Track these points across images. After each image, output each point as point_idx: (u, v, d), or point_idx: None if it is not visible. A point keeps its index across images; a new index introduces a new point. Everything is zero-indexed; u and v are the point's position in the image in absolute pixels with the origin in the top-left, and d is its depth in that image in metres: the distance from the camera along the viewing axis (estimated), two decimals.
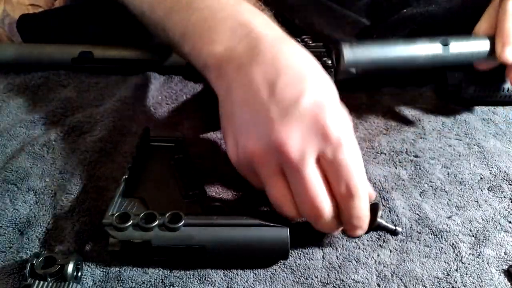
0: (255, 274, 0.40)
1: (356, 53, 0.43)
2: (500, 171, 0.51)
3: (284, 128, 0.35)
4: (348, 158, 0.36)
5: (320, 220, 0.37)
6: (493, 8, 0.54)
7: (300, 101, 0.36)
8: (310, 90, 0.37)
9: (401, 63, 0.47)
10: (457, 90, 0.59)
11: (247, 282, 0.39)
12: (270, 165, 0.37)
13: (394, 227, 0.41)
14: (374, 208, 0.40)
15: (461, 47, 0.52)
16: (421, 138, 0.55)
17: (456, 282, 0.40)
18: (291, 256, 0.41)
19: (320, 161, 0.36)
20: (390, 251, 0.42)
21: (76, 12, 0.67)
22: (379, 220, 0.40)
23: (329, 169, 0.36)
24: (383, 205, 0.46)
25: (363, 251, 0.42)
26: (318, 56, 0.57)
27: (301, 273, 0.40)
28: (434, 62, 0.50)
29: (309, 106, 0.36)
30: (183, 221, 0.38)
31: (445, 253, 0.42)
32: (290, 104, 0.36)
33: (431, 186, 0.49)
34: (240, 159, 0.39)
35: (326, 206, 0.37)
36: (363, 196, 0.37)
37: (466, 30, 0.56)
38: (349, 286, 0.39)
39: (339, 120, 0.37)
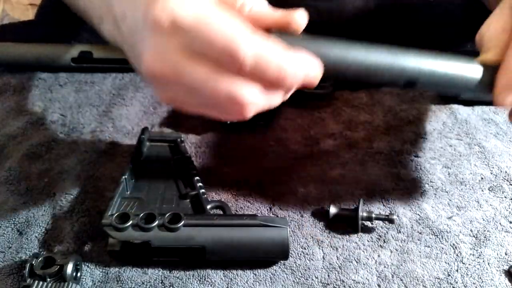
0: (255, 274, 0.40)
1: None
2: (501, 171, 0.50)
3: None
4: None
5: None
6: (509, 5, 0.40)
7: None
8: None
9: (353, 71, 0.35)
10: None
11: (247, 283, 0.39)
12: None
13: (387, 215, 0.41)
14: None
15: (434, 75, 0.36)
16: (421, 138, 0.55)
17: (456, 282, 0.40)
18: (291, 256, 0.41)
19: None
20: (391, 252, 0.42)
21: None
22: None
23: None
24: (383, 205, 0.46)
25: (364, 252, 0.42)
26: None
27: (301, 274, 0.40)
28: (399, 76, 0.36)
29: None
30: (182, 222, 0.38)
31: (446, 254, 0.42)
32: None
33: (432, 186, 0.48)
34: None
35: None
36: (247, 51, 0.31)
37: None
38: (350, 287, 0.39)
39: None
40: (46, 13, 0.68)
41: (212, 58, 0.32)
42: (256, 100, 0.33)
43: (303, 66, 0.33)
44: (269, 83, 0.33)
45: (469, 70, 0.37)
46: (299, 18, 0.34)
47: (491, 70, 0.37)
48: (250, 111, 0.34)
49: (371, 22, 0.57)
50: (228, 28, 0.31)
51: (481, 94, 0.38)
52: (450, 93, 0.39)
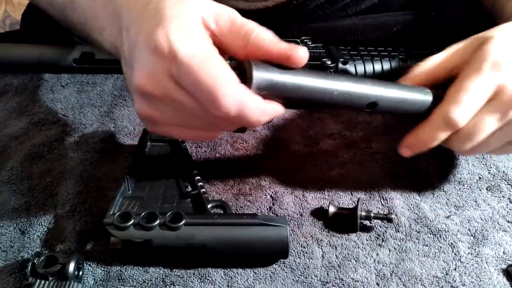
0: (255, 273, 0.40)
1: (267, 75, 0.36)
2: (499, 171, 0.51)
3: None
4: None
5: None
6: (471, 44, 0.44)
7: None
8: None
9: (319, 97, 0.38)
10: None
11: (247, 281, 0.39)
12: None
13: (385, 214, 0.42)
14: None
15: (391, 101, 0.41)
16: None
17: (455, 281, 0.40)
18: (290, 255, 0.41)
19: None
20: (389, 251, 0.42)
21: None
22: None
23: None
24: (382, 204, 0.46)
25: (363, 250, 0.42)
26: (318, 57, 0.57)
27: (300, 272, 0.40)
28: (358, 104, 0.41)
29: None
30: (183, 221, 0.39)
31: (444, 253, 0.42)
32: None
33: (430, 186, 0.49)
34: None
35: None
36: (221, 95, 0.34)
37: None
38: (349, 285, 0.39)
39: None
40: (33, 19, 0.68)
41: (196, 96, 0.35)
42: (227, 129, 0.38)
43: (273, 115, 0.37)
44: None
45: (420, 97, 0.43)
46: (301, 54, 0.36)
47: (438, 100, 0.42)
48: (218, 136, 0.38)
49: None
50: (216, 76, 0.34)
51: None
52: (406, 116, 0.44)
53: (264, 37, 0.36)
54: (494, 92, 0.41)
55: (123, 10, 0.40)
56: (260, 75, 0.35)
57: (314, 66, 0.56)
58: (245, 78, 0.36)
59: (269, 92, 0.36)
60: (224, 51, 0.38)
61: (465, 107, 0.41)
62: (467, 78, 0.41)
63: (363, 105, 0.40)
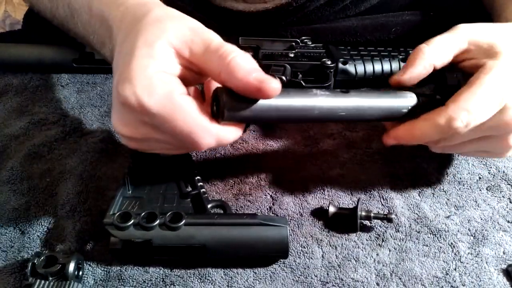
0: (255, 273, 0.40)
1: (239, 102, 0.37)
2: (499, 171, 0.51)
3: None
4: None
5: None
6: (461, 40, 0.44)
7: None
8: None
9: (294, 115, 0.39)
10: (456, 90, 0.59)
11: (247, 281, 0.39)
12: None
13: (385, 214, 0.43)
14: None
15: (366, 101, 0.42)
16: None
17: (455, 281, 0.40)
18: (290, 255, 0.41)
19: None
20: (389, 250, 0.42)
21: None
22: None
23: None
24: (382, 204, 0.46)
25: (363, 250, 0.42)
26: (318, 57, 0.57)
27: (300, 272, 0.40)
28: (333, 117, 0.41)
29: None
30: (183, 221, 0.39)
31: (444, 253, 0.42)
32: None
33: (430, 186, 0.49)
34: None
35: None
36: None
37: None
38: (349, 285, 0.39)
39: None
40: (34, 19, 0.68)
41: (176, 138, 0.37)
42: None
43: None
44: None
45: (399, 103, 0.43)
46: (272, 87, 0.36)
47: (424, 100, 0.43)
48: None
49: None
50: (190, 122, 0.36)
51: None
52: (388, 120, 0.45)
53: (238, 63, 0.36)
54: (500, 109, 0.41)
55: (113, 33, 0.41)
56: (230, 114, 0.37)
57: (314, 66, 0.56)
58: (218, 104, 0.37)
59: (241, 121, 0.39)
60: (203, 74, 0.39)
61: (474, 118, 0.40)
62: (481, 92, 0.40)
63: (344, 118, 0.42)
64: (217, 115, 0.38)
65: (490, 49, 0.43)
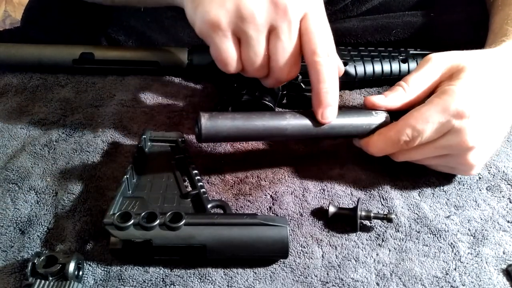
0: (255, 273, 0.40)
1: (216, 123, 0.41)
2: (499, 171, 0.51)
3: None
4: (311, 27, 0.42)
5: (261, 76, 0.46)
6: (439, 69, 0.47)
7: None
8: None
9: (267, 133, 0.44)
10: None
11: (247, 281, 0.39)
12: (226, 30, 0.41)
13: (385, 214, 0.43)
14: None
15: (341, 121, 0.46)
16: None
17: (454, 281, 0.40)
18: (290, 255, 0.41)
19: (275, 32, 0.42)
20: (389, 250, 0.42)
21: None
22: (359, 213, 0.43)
23: (304, 35, 0.42)
24: (382, 204, 0.46)
25: (362, 250, 0.42)
26: None
27: (300, 272, 0.40)
28: (306, 134, 0.45)
29: None
30: (183, 221, 0.39)
31: (444, 253, 0.42)
32: None
33: (430, 186, 0.49)
34: (198, 23, 0.42)
35: (263, 68, 0.44)
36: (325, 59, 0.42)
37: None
38: (349, 285, 0.39)
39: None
40: (33, 16, 0.68)
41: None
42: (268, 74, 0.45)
43: None
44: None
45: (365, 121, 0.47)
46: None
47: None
48: (264, 80, 0.47)
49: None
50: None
51: None
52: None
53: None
54: (449, 130, 0.43)
55: None
56: (208, 137, 0.42)
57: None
58: (198, 127, 0.41)
59: (217, 136, 0.42)
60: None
61: (417, 135, 0.44)
62: (426, 111, 0.43)
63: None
64: (198, 136, 0.42)
65: (453, 76, 0.46)
